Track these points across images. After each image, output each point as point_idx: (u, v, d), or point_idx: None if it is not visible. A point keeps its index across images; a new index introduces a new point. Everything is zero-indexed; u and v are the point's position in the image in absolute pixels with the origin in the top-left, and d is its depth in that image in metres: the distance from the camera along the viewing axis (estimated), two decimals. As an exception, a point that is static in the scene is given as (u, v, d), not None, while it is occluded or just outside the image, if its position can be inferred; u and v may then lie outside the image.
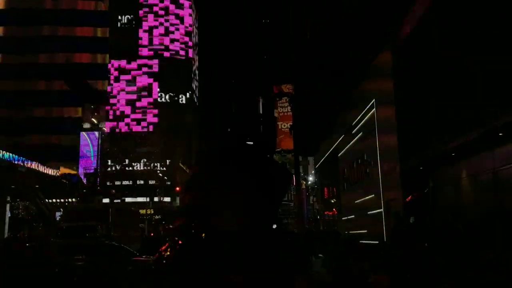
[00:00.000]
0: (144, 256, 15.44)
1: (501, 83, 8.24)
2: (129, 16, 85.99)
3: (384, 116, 15.32)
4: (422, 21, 11.91)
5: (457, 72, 10.09)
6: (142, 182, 77.67)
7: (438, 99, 10.98)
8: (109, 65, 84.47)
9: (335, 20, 15.05)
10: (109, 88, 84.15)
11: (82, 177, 57.30)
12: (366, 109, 17.46)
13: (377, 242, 15.14)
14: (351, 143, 20.76)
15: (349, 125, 20.49)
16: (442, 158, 11.26)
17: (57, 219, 44.28)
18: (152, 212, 72.38)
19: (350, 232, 21.08)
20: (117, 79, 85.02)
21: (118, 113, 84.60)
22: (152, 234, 52.26)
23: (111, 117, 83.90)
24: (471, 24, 9.34)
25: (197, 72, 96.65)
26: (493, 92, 8.55)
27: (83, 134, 76.76)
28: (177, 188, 56.38)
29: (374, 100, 16.54)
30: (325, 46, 16.96)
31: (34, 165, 45.29)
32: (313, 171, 46.49)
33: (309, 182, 55.23)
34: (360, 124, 18.69)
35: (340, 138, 23.03)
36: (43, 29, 77.73)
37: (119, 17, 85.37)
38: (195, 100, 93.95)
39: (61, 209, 46.34)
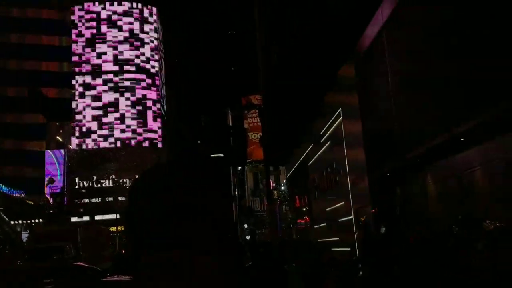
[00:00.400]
0: (115, 276, 15.09)
1: (462, 91, 8.51)
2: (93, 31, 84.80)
3: (351, 124, 15.58)
4: (382, 32, 12.21)
5: (419, 79, 10.36)
6: (111, 199, 76.17)
7: (402, 105, 11.25)
8: (73, 81, 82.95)
9: (301, 31, 15.25)
10: (73, 104, 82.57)
11: (48, 196, 55.74)
12: (333, 118, 17.72)
13: (349, 249, 15.29)
14: (320, 152, 20.99)
15: (317, 134, 20.73)
16: (409, 165, 11.50)
17: (24, 240, 42.83)
18: (123, 228, 70.94)
19: (323, 239, 21.22)
20: (82, 95, 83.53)
21: (84, 129, 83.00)
22: (123, 251, 51.17)
23: (77, 133, 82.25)
24: (431, 33, 9.63)
25: (164, 87, 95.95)
26: (454, 100, 8.82)
27: (49, 152, 74.79)
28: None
29: (340, 109, 16.82)
30: (292, 56, 17.14)
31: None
32: (284, 180, 46.73)
33: (281, 191, 55.45)
34: (328, 132, 18.94)
35: (310, 148, 23.26)
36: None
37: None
38: (163, 112, 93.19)
39: (28, 230, 44.87)
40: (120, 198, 76.40)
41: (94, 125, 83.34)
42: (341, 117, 16.78)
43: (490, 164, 8.75)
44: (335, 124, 17.70)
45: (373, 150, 13.48)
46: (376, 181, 13.46)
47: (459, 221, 8.14)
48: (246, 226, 55.86)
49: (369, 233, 11.05)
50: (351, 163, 15.82)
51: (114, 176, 77.82)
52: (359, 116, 14.38)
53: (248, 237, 45.79)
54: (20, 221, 46.84)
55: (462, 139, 8.92)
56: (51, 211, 45.40)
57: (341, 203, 17.63)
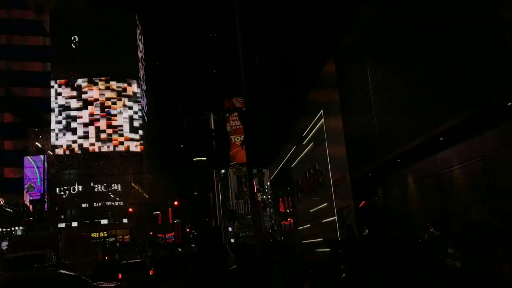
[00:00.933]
0: (97, 283, 14.90)
1: (441, 92, 8.64)
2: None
3: (332, 126, 15.69)
4: (363, 31, 12.33)
5: (399, 81, 10.49)
6: (94, 204, 75.14)
7: (383, 107, 11.36)
8: (52, 82, 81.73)
9: (281, 33, 15.27)
10: (52, 105, 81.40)
11: (28, 204, 54.76)
12: (315, 119, 17.82)
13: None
14: (303, 153, 21.08)
15: (299, 136, 20.82)
16: (389, 165, 11.63)
17: (4, 249, 41.97)
18: (106, 235, 70.06)
19: (307, 241, 21.29)
20: (59, 95, 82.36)
21: (63, 138, 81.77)
22: (107, 258, 50.58)
23: (56, 136, 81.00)
24: (412, 34, 9.76)
25: (145, 92, 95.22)
26: (434, 100, 8.95)
27: (28, 158, 73.42)
28: (130, 210, 55.09)
29: (322, 111, 16.92)
30: (274, 59, 17.16)
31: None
32: (268, 183, 46.75)
33: (265, 194, 55.45)
34: (310, 134, 19.04)
35: (292, 150, 23.34)
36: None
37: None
38: (145, 117, 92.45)
39: (7, 238, 43.96)
40: (102, 204, 75.41)
41: (74, 127, 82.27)
42: (323, 119, 16.89)
43: (468, 163, 8.91)
44: (317, 126, 17.80)
45: (354, 151, 13.60)
46: (358, 182, 13.58)
47: (433, 220, 8.22)
48: (230, 229, 55.75)
49: (352, 234, 11.13)
50: (333, 165, 15.94)
51: (95, 182, 76.80)
52: (340, 117, 14.49)
53: (232, 240, 45.72)
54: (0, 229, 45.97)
55: (441, 139, 9.06)
56: (31, 218, 44.60)
57: (324, 204, 17.73)
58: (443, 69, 8.47)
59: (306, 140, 19.97)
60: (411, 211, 11.56)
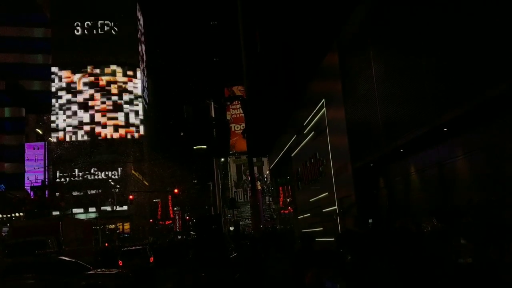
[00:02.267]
0: (98, 270, 14.97)
1: (445, 81, 8.57)
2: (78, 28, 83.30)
3: (334, 115, 15.61)
4: (366, 20, 12.21)
5: (403, 70, 10.40)
6: (93, 191, 75.28)
7: (386, 96, 11.29)
8: (53, 76, 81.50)
9: (284, 20, 15.11)
10: (53, 101, 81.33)
11: (29, 190, 54.91)
12: (317, 108, 17.72)
13: (333, 238, 15.38)
14: (304, 142, 21.02)
15: (300, 125, 20.74)
16: (392, 155, 11.58)
17: (4, 235, 42.13)
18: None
19: (306, 230, 21.34)
20: (61, 89, 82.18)
21: (63, 123, 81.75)
22: (106, 245, 50.86)
23: (56, 121, 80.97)
24: (415, 21, 9.65)
25: (145, 79, 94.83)
26: (437, 90, 8.88)
27: (29, 144, 73.37)
28: (130, 196, 55.18)
29: (324, 99, 16.83)
30: (275, 47, 17.00)
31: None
32: (268, 171, 46.81)
33: (265, 182, 55.59)
34: (311, 123, 18.96)
35: (293, 139, 23.27)
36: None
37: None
38: (145, 103, 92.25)
39: (8, 225, 44.11)
40: (106, 190, 75.59)
41: (73, 119, 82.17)
42: (324, 108, 16.80)
43: (472, 154, 8.86)
44: (318, 115, 17.72)
45: (356, 140, 13.54)
46: (359, 172, 13.55)
47: (436, 212, 8.18)
48: (229, 216, 55.97)
49: (359, 224, 11.15)
50: (335, 153, 15.89)
51: (96, 169, 76.88)
52: (342, 106, 14.41)
53: (232, 228, 45.90)
54: (0, 215, 46.12)
55: (445, 129, 9.00)
56: (32, 205, 44.74)
57: (324, 194, 17.72)
58: (447, 59, 8.38)
59: (307, 129, 19.90)
60: (413, 202, 11.55)
